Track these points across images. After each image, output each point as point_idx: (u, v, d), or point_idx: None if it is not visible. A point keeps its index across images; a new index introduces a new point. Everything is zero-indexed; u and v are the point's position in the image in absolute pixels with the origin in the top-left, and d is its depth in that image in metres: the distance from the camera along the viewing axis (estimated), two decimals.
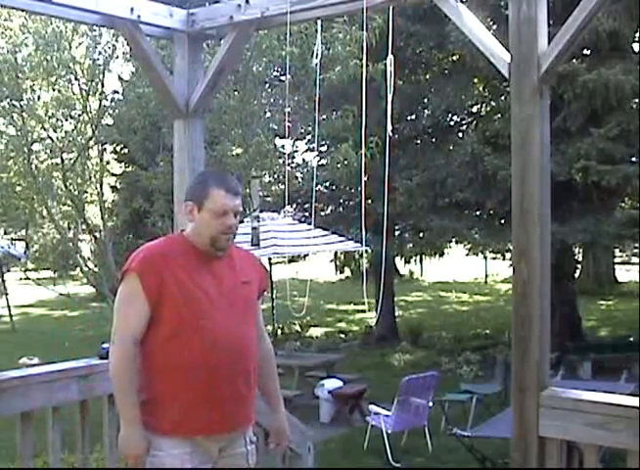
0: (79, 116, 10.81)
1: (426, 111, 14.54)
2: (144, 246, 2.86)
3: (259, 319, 3.03)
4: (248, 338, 2.84)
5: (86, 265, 11.93)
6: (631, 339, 13.54)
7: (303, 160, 15.63)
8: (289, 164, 13.94)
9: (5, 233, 22.63)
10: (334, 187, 14.75)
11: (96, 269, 12.03)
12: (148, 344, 2.75)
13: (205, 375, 2.72)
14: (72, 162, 10.92)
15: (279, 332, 14.37)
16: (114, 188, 19.30)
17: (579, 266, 20.56)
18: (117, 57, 11.02)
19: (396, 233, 14.90)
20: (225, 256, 2.86)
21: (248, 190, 9.72)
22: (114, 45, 10.44)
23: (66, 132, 10.92)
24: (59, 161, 10.85)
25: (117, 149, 17.18)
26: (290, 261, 18.26)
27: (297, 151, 15.57)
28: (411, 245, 15.38)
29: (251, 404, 2.90)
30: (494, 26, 11.04)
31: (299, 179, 13.66)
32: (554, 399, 2.99)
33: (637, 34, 12.38)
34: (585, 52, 11.76)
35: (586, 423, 2.87)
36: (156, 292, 2.70)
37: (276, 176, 11.84)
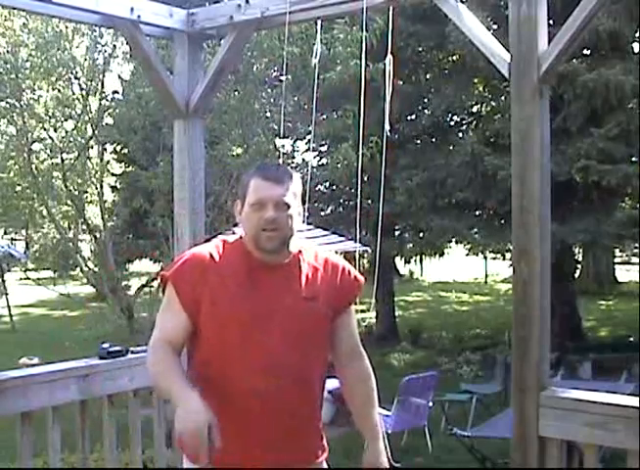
0: (79, 115, 10.83)
1: (426, 111, 14.53)
2: (192, 248, 2.57)
3: (348, 336, 2.66)
4: (302, 362, 2.44)
5: (86, 265, 11.96)
6: (631, 339, 13.54)
7: (303, 159, 15.63)
8: (288, 165, 13.94)
9: (5, 233, 22.66)
10: (334, 187, 14.74)
11: (96, 269, 12.05)
12: (189, 368, 2.47)
13: (244, 407, 2.37)
14: (72, 162, 10.94)
15: None
16: (114, 188, 19.24)
17: (579, 266, 20.56)
18: (117, 57, 11.04)
19: (396, 233, 14.90)
20: (287, 263, 2.48)
21: None
22: (114, 45, 10.46)
23: (66, 132, 10.95)
24: (59, 161, 10.87)
25: (117, 149, 17.13)
26: None
27: (297, 151, 15.58)
28: (411, 245, 15.35)
29: (313, 436, 2.57)
30: (494, 26, 11.05)
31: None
32: (554, 399, 2.99)
33: (637, 34, 12.37)
34: (585, 52, 11.75)
35: (586, 423, 2.87)
36: (192, 305, 2.40)
37: None
